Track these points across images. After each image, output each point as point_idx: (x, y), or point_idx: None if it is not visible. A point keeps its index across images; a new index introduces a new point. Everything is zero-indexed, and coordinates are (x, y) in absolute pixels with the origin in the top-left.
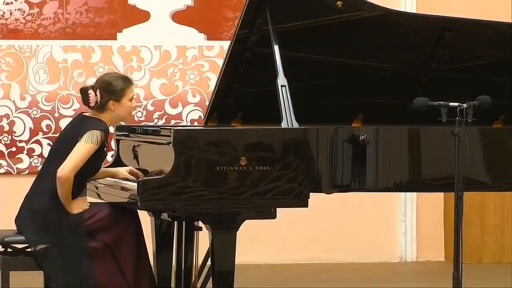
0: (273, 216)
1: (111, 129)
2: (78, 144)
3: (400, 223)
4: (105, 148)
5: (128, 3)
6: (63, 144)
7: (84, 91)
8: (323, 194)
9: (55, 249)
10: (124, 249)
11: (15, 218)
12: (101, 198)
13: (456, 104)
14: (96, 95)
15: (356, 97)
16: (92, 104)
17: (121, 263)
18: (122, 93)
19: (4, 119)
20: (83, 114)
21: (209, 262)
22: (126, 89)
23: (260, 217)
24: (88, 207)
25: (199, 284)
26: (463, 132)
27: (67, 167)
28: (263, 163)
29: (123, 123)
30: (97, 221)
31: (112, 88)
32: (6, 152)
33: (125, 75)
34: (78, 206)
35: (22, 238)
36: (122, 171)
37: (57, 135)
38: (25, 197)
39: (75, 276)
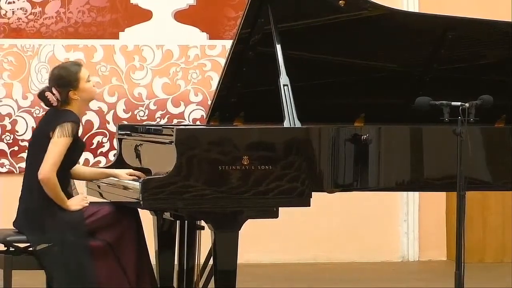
0: (275, 215)
1: (113, 128)
2: (51, 141)
3: (402, 222)
4: (78, 139)
5: (130, 2)
6: (38, 140)
7: (42, 95)
8: (325, 194)
9: (56, 248)
10: (126, 247)
11: (13, 222)
12: (103, 198)
13: (458, 103)
14: (54, 93)
15: (358, 97)
16: (55, 104)
17: (123, 261)
18: (77, 79)
19: (7, 118)
20: (52, 107)
21: (211, 262)
22: (78, 74)
23: (262, 216)
24: (87, 204)
25: (201, 284)
26: (465, 132)
27: (47, 167)
28: (265, 162)
29: (125, 122)
30: (97, 219)
31: (65, 79)
32: (8, 151)
33: (71, 61)
34: (76, 203)
35: (24, 237)
36: (123, 174)
37: None
38: (19, 199)
39: (76, 275)
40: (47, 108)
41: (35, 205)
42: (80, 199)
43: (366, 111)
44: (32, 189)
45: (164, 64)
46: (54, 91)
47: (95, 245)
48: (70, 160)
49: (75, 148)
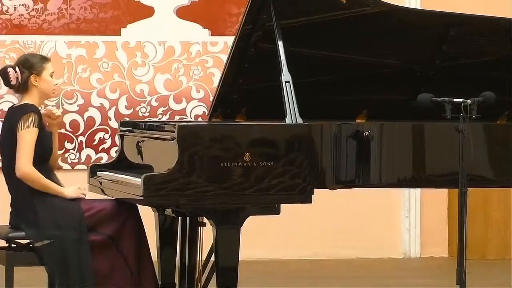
0: (277, 212)
1: (115, 125)
2: (18, 136)
3: (404, 219)
4: (44, 128)
5: None
6: (6, 139)
7: (3, 71)
8: (327, 190)
9: (56, 244)
10: (126, 238)
11: (9, 223)
12: (105, 194)
13: (461, 100)
14: (16, 71)
15: (360, 93)
16: (13, 82)
17: (124, 252)
18: (41, 67)
19: None
20: (11, 106)
21: (213, 258)
22: (44, 64)
23: (264, 213)
24: (83, 195)
25: (202, 280)
26: (467, 128)
27: (21, 163)
28: (267, 159)
29: (127, 119)
30: (96, 212)
31: (30, 62)
32: None
33: (42, 54)
34: (72, 191)
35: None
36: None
37: (61, 130)
38: (10, 201)
39: (77, 271)
40: (7, 88)
41: (25, 200)
42: (76, 188)
43: (368, 107)
44: (16, 187)
45: (166, 60)
46: (17, 69)
47: (95, 240)
48: (44, 150)
49: (45, 137)
